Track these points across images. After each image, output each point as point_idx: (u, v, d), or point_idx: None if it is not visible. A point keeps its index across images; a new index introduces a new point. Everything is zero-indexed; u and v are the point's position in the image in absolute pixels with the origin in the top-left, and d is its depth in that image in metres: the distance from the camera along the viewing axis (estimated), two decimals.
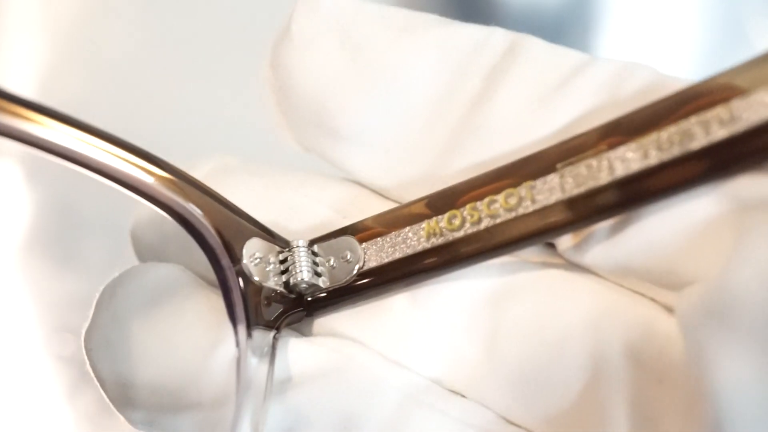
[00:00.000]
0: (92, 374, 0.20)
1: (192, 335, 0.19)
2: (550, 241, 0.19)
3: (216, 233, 0.19)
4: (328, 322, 0.20)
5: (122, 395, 0.19)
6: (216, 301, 0.19)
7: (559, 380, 0.18)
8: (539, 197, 0.18)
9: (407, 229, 0.19)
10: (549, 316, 0.19)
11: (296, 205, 0.21)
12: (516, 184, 0.18)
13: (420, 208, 0.19)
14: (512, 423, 0.19)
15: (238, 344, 0.19)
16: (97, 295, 0.20)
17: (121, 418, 0.20)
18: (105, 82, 0.49)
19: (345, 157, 0.20)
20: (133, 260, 0.21)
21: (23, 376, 0.47)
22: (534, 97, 0.19)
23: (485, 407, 0.19)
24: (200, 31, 0.49)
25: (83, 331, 0.20)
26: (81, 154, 0.18)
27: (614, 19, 0.49)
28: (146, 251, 0.21)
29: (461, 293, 0.19)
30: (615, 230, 0.18)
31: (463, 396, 0.19)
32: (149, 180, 0.18)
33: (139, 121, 0.42)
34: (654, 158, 0.17)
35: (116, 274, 0.20)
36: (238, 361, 0.19)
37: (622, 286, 0.19)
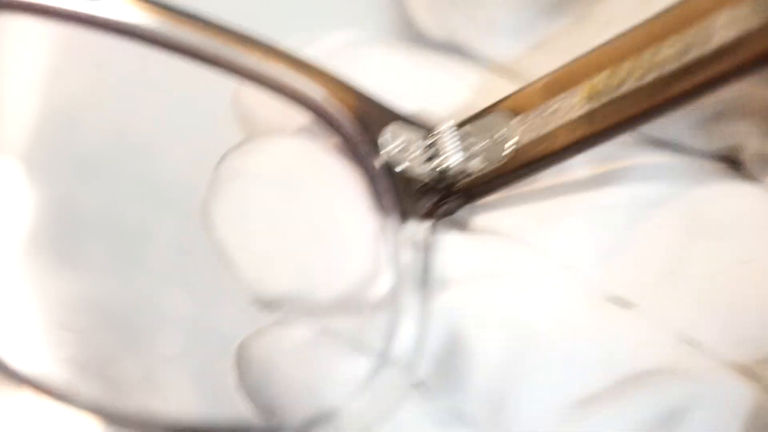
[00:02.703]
0: (218, 255, 0.16)
1: (339, 220, 0.16)
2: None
3: (354, 120, 0.16)
4: (486, 220, 0.17)
5: (258, 277, 0.16)
6: (362, 181, 0.16)
7: (760, 301, 0.16)
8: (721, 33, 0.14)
9: (563, 95, 0.16)
10: (750, 236, 0.16)
11: (437, 84, 0.18)
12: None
13: (572, 71, 0.16)
14: (695, 340, 0.16)
15: (390, 237, 0.16)
16: (218, 166, 0.16)
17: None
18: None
19: (489, 40, 0.18)
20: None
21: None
22: None
23: (664, 319, 0.16)
24: None
25: (202, 206, 0.16)
26: (190, 45, 0.15)
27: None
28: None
29: (650, 194, 0.16)
30: None
31: (639, 306, 0.16)
32: (270, 68, 0.15)
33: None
34: None
35: (237, 143, 0.16)
36: (393, 256, 0.15)
37: None
